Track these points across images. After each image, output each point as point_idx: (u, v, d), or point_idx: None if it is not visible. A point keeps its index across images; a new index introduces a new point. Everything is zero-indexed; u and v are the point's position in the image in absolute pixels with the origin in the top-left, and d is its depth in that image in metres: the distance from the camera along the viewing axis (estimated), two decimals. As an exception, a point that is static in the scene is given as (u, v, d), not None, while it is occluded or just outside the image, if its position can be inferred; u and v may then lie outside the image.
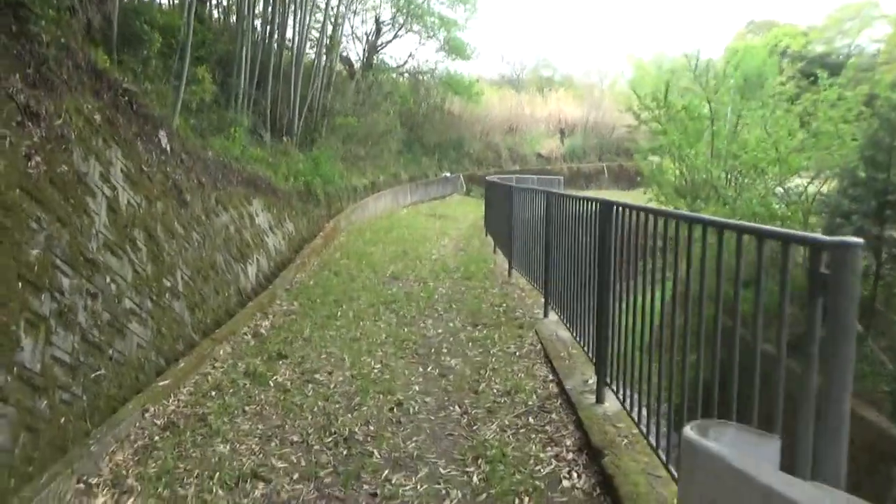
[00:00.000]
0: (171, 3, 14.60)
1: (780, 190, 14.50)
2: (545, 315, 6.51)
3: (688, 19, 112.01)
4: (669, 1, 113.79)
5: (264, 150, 13.01)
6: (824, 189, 13.76)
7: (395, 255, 10.56)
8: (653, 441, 3.13)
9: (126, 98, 6.47)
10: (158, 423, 3.95)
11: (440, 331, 6.18)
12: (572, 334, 5.26)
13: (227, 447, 3.63)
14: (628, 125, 26.70)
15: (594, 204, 4.36)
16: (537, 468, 3.41)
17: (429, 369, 5.06)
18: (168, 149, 7.39)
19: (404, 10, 26.26)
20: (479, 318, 6.60)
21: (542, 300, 6.75)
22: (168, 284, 6.23)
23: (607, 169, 34.57)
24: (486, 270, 9.44)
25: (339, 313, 6.73)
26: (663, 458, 2.96)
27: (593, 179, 32.50)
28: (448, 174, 25.76)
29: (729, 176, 16.03)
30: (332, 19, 19.61)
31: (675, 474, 2.77)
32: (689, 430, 1.54)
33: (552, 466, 3.43)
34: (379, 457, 3.55)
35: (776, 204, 13.73)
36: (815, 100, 15.81)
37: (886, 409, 9.71)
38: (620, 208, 3.91)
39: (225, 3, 19.00)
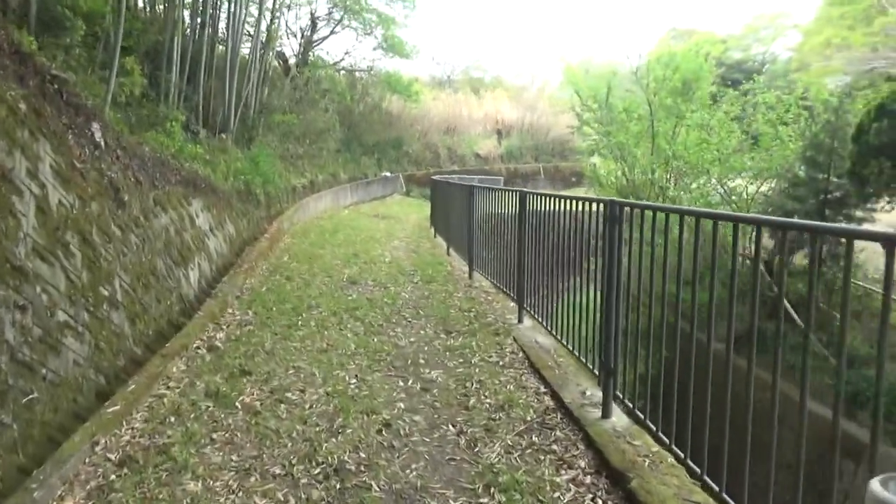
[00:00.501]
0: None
1: (720, 190, 14.83)
2: (520, 320, 6.22)
3: (612, 25, 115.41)
4: (594, 7, 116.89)
5: (202, 147, 12.22)
6: (764, 189, 14.16)
7: (346, 257, 10.07)
8: (693, 465, 2.87)
9: (55, 86, 5.79)
10: (112, 457, 3.39)
11: (412, 339, 5.77)
12: (560, 341, 4.98)
13: (199, 484, 3.13)
14: (569, 126, 26.94)
15: (597, 204, 4.08)
16: (556, 496, 3.09)
17: (409, 383, 4.65)
18: (102, 143, 6.69)
19: (341, 6, 25.55)
20: (451, 325, 6.24)
21: (514, 304, 6.47)
22: (106, 293, 5.61)
23: (543, 170, 34.88)
24: (444, 273, 9.10)
25: (299, 322, 6.22)
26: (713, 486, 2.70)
27: (530, 179, 32.68)
28: (388, 174, 25.26)
29: (669, 176, 16.28)
30: (268, 13, 18.81)
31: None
32: (876, 485, 1.25)
33: (572, 493, 3.11)
34: (378, 490, 3.14)
35: (720, 204, 14.01)
36: (748, 102, 16.29)
37: (829, 402, 10.00)
38: (629, 208, 3.66)
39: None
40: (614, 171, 19.35)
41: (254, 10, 19.82)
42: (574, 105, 20.65)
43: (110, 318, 5.55)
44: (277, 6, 19.61)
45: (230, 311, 6.75)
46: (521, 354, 5.25)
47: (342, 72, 27.61)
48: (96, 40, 11.63)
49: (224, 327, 6.09)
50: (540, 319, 5.65)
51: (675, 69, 17.52)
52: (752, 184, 14.20)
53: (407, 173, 27.21)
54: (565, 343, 4.84)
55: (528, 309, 6.09)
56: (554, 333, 5.18)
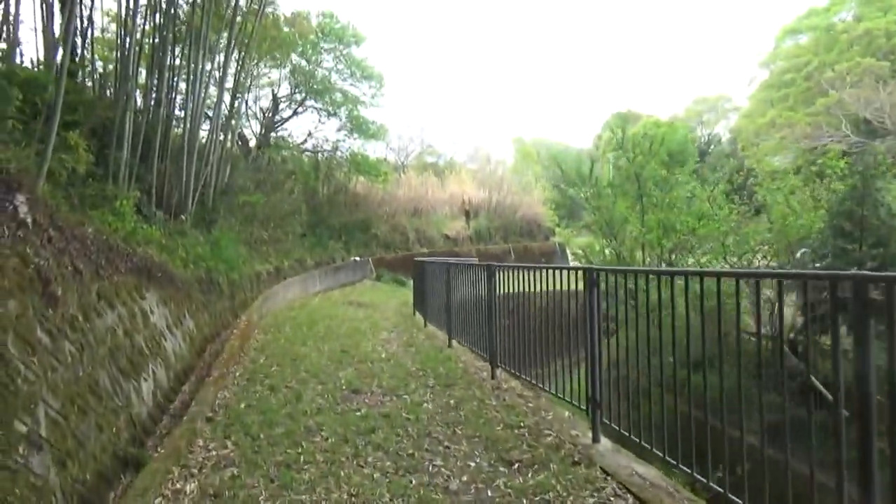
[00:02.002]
0: (35, 61, 12.25)
1: (732, 263, 13.80)
2: (595, 439, 4.66)
3: (555, 108, 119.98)
4: (536, 90, 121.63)
5: (158, 230, 10.57)
6: (774, 265, 13.20)
7: (335, 355, 8.38)
8: None
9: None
10: None
11: (464, 479, 4.13)
12: (700, 476, 3.43)
13: None
14: (544, 203, 26.19)
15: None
16: None
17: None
18: (29, 221, 5.06)
19: (303, 87, 24.71)
20: (507, 451, 4.62)
21: (569, 413, 4.97)
22: (22, 429, 3.89)
23: (513, 250, 33.94)
24: (458, 371, 7.50)
25: (300, 458, 4.49)
26: None
27: (500, 260, 31.58)
28: (357, 258, 23.73)
29: (663, 253, 15.27)
30: (228, 93, 17.66)
31: None
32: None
33: None
34: None
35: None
36: (738, 172, 15.68)
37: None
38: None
39: (101, 71, 16.72)
40: (601, 249, 18.36)
41: (213, 90, 18.80)
42: (557, 182, 19.80)
43: (28, 466, 3.82)
44: (238, 87, 18.53)
45: (201, 442, 4.97)
46: (630, 500, 3.67)
47: (306, 153, 26.49)
48: (36, 112, 10.14)
49: (195, 472, 4.31)
50: (639, 440, 4.10)
51: (660, 142, 16.90)
52: (764, 258, 13.24)
53: (376, 257, 25.73)
54: (705, 478, 3.29)
55: (610, 423, 4.55)
56: (673, 461, 3.63)
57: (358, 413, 5.58)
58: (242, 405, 5.82)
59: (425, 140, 45.90)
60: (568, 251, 39.42)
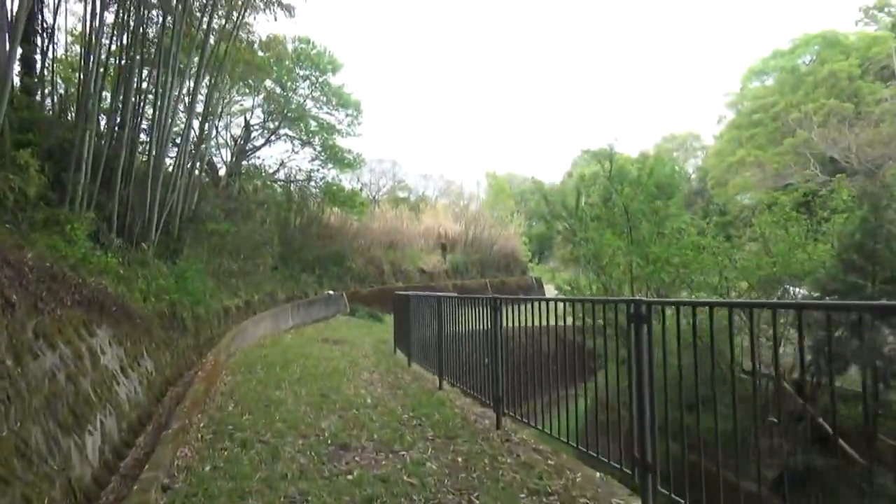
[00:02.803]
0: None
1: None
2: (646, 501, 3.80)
3: (520, 144, 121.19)
4: (505, 125, 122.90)
5: (114, 258, 9.53)
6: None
7: (315, 401, 7.36)
8: None
9: None
10: None
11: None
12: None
13: None
14: (525, 236, 25.60)
15: None
16: None
17: None
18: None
19: (277, 114, 23.87)
20: (542, 528, 3.73)
21: (635, 479, 4.08)
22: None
23: (490, 285, 33.12)
24: (457, 418, 6.59)
25: (283, 543, 3.53)
26: None
27: (478, 294, 30.78)
28: (331, 292, 22.62)
29: (658, 287, 14.63)
30: (196, 120, 16.76)
31: None
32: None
33: None
34: None
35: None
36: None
37: None
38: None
39: (62, 91, 15.75)
40: (589, 285, 17.70)
41: (182, 115, 17.88)
42: (536, 216, 19.20)
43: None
44: (208, 112, 17.62)
45: (155, 521, 3.96)
46: None
47: (279, 183, 25.51)
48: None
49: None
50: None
51: (648, 174, 16.43)
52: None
53: (350, 291, 24.61)
54: None
55: (670, 493, 3.70)
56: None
57: (349, 477, 4.60)
58: (207, 467, 4.79)
59: (397, 175, 45.29)
60: (546, 286, 38.91)
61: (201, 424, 6.12)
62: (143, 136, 14.86)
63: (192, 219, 14.57)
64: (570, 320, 5.66)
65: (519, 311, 6.30)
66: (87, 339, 6.46)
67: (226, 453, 5.16)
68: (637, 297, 3.85)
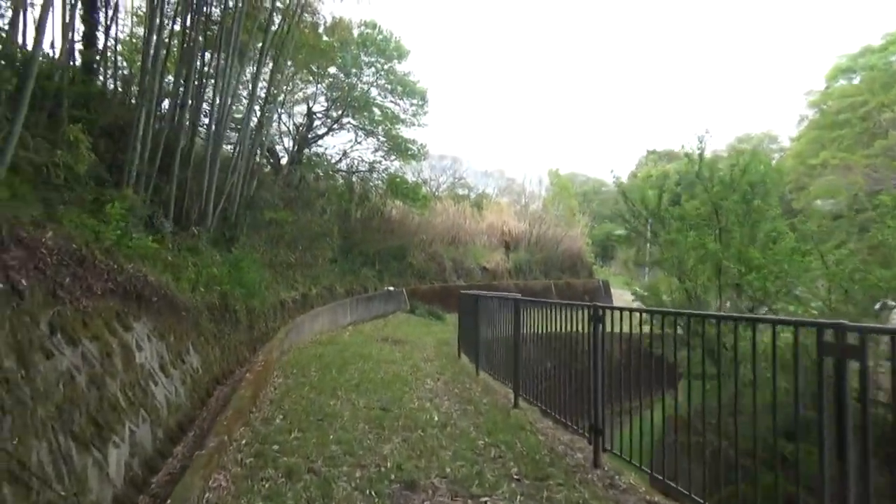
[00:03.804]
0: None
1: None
2: None
3: (582, 144, 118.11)
4: (567, 125, 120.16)
5: (164, 243, 8.80)
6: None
7: (374, 416, 6.36)
8: None
9: None
10: None
11: None
12: None
13: None
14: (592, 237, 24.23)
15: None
16: None
17: None
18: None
19: (340, 102, 23.13)
20: None
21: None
22: None
23: (555, 286, 31.68)
24: (542, 449, 5.46)
25: None
26: None
27: (542, 296, 29.30)
28: (391, 288, 21.77)
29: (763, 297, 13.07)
30: (258, 105, 16.10)
31: None
32: None
33: None
34: None
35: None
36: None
37: None
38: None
39: (125, 72, 15.31)
40: (670, 289, 16.23)
41: (243, 99, 17.33)
42: (620, 213, 17.82)
43: None
44: (269, 97, 16.94)
45: None
46: None
47: (340, 173, 24.82)
48: (34, 100, 8.59)
49: None
50: None
51: (742, 171, 14.81)
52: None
53: (410, 287, 23.69)
54: None
55: None
56: None
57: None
58: (243, 502, 3.81)
59: (457, 172, 44.20)
60: (613, 290, 37.16)
61: (243, 442, 5.17)
62: (203, 120, 14.32)
63: (249, 206, 13.87)
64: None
65: (620, 320, 5.19)
66: (121, 333, 5.63)
67: (267, 485, 4.17)
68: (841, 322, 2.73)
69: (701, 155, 15.23)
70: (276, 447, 5.03)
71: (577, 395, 5.81)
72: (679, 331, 8.97)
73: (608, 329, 5.19)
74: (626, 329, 5.15)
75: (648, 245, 47.76)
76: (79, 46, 12.35)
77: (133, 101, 12.38)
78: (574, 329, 5.91)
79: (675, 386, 5.68)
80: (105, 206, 7.56)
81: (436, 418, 6.50)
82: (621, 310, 5.30)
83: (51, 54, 10.57)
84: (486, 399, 7.82)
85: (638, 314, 5.16)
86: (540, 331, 7.07)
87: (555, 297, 30.88)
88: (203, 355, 8.49)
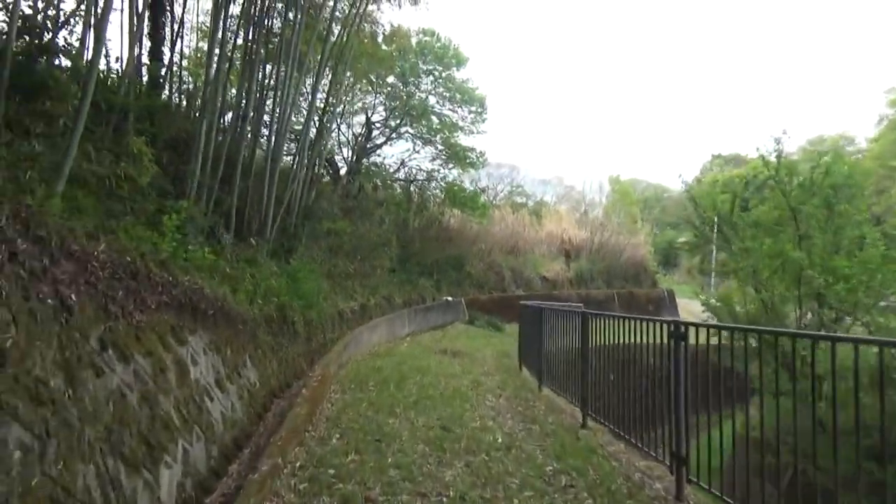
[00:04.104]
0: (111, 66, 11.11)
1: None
2: None
3: (644, 149, 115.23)
4: (626, 129, 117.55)
5: (222, 256, 8.75)
6: None
7: (435, 437, 6.02)
8: None
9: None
10: None
11: None
12: None
13: None
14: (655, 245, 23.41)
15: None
16: None
17: None
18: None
19: (398, 111, 23.06)
20: None
21: None
22: None
23: (617, 296, 30.73)
24: (618, 478, 5.01)
25: None
26: None
27: (604, 307, 28.43)
28: (449, 298, 21.46)
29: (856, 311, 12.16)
30: (317, 116, 16.11)
31: None
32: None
33: None
34: None
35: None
36: None
37: None
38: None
39: (189, 87, 15.59)
40: (742, 299, 15.38)
41: (302, 110, 17.43)
42: (690, 218, 17.05)
43: None
44: (328, 107, 16.94)
45: None
46: None
47: (398, 182, 24.75)
48: (100, 114, 8.73)
49: None
50: None
51: (823, 173, 13.87)
52: None
53: (469, 297, 23.34)
54: None
55: None
56: None
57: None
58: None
59: (515, 180, 43.63)
60: (678, 300, 35.85)
61: (297, 464, 4.91)
62: (262, 130, 14.42)
63: (308, 216, 13.83)
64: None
65: (696, 335, 4.74)
66: (175, 348, 5.49)
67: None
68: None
69: (778, 157, 14.34)
70: (331, 471, 4.74)
71: (652, 416, 5.33)
72: (752, 343, 8.35)
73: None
74: (701, 341, 4.70)
75: (715, 253, 45.84)
76: (145, 61, 12.62)
77: (196, 114, 12.57)
78: (647, 341, 5.43)
79: (747, 403, 5.14)
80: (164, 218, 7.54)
81: (499, 440, 6.11)
82: (708, 327, 4.82)
83: (116, 68, 10.78)
84: (551, 418, 7.38)
85: (718, 331, 4.68)
86: (610, 345, 6.60)
87: (617, 307, 29.97)
88: (260, 368, 8.36)
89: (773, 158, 14.39)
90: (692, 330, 4.78)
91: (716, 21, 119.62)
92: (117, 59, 10.78)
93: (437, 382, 9.30)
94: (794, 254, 12.31)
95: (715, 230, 17.54)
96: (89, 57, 8.04)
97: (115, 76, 10.54)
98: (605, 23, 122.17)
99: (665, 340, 4.93)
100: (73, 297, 3.95)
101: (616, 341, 6.37)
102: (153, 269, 5.36)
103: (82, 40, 8.94)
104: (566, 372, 8.34)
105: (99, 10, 8.35)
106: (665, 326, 4.97)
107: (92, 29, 8.92)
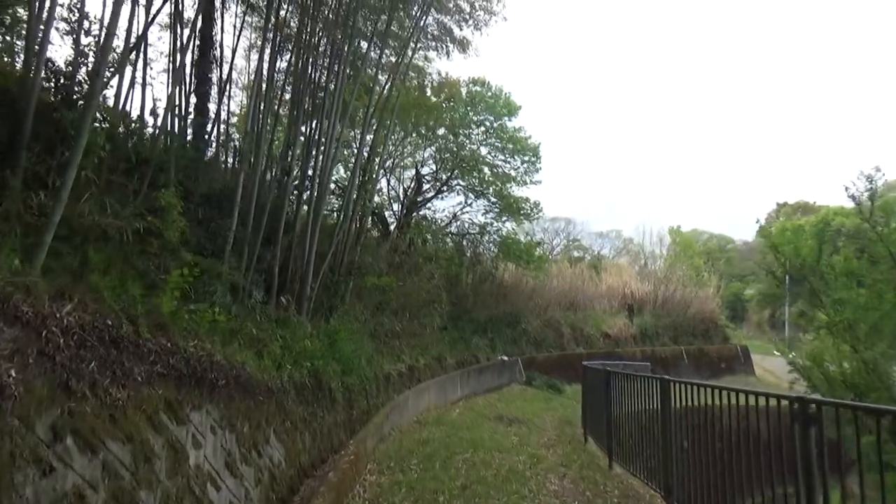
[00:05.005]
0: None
1: None
2: None
3: (708, 198, 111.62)
4: (684, 178, 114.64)
5: (248, 316, 7.94)
6: None
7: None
8: None
9: None
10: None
11: None
12: None
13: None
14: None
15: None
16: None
17: None
18: None
19: (450, 164, 22.42)
20: None
21: None
22: None
23: (686, 353, 28.66)
24: None
25: None
26: None
27: (671, 365, 26.46)
28: (505, 357, 20.18)
29: None
30: (361, 169, 15.55)
31: None
32: None
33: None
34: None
35: None
36: None
37: None
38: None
39: (237, 143, 15.36)
40: (835, 356, 13.62)
41: (348, 163, 16.96)
42: (770, 267, 15.54)
43: None
44: (372, 161, 16.36)
45: None
46: None
47: (450, 236, 23.92)
48: (132, 170, 8.26)
49: None
50: None
51: (929, 211, 12.33)
52: None
53: (526, 356, 21.97)
54: None
55: None
56: None
57: None
58: None
59: (571, 234, 42.41)
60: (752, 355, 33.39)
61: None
62: (305, 185, 13.93)
63: (351, 272, 13.03)
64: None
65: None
66: (169, 428, 4.57)
67: None
68: None
69: (872, 197, 12.85)
70: None
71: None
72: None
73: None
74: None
75: (788, 306, 42.75)
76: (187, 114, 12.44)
77: (236, 167, 12.18)
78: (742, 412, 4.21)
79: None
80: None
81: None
82: (854, 407, 3.59)
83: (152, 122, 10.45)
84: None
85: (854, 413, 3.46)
86: (700, 418, 5.37)
87: (686, 366, 27.90)
88: (288, 444, 7.37)
89: (865, 199, 12.90)
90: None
91: (770, 69, 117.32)
92: (152, 111, 10.44)
93: (490, 459, 8.10)
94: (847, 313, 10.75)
95: (787, 281, 15.94)
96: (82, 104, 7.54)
97: (150, 130, 10.22)
98: (661, 70, 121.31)
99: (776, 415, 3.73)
100: (11, 373, 3.09)
101: (704, 409, 5.17)
102: (144, 333, 4.51)
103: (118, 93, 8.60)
104: (642, 449, 7.05)
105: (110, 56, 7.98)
106: (783, 404, 3.77)
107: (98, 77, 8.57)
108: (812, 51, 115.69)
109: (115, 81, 8.66)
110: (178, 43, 11.22)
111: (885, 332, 12.23)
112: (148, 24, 9.92)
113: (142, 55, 10.39)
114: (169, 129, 10.84)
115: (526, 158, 22.87)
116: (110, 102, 8.63)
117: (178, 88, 11.20)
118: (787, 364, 15.75)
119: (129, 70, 9.82)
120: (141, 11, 10.23)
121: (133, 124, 9.37)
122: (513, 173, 23.13)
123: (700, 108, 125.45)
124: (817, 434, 3.49)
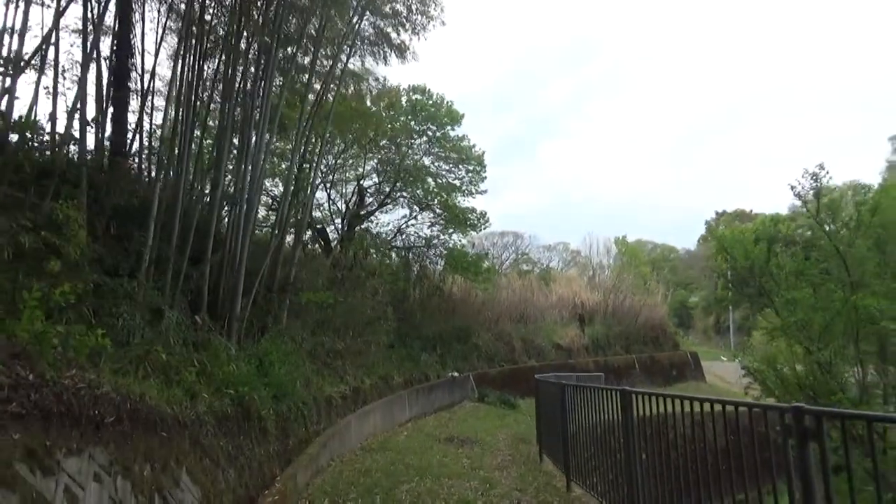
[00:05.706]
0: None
1: None
2: None
3: (646, 209, 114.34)
4: (625, 191, 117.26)
5: (155, 340, 7.00)
6: None
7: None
8: None
9: None
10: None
11: None
12: None
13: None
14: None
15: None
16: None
17: None
18: None
19: (391, 175, 21.71)
20: None
21: None
22: None
23: (638, 362, 28.51)
24: None
25: None
26: None
27: (624, 374, 26.18)
28: (455, 374, 19.38)
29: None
30: (294, 179, 14.65)
31: None
32: None
33: None
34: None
35: None
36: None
37: None
38: None
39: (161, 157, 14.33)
40: (790, 357, 13.48)
41: (281, 175, 16.05)
42: (719, 270, 15.34)
43: None
44: (302, 172, 15.45)
45: None
46: None
47: (395, 249, 23.14)
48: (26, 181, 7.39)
49: None
50: None
51: (872, 211, 12.20)
52: None
53: (477, 372, 21.22)
54: None
55: None
56: None
57: None
58: None
59: (520, 248, 42.23)
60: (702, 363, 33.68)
61: None
62: (236, 196, 13.00)
63: (284, 289, 12.12)
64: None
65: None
66: (30, 481, 3.66)
67: None
68: None
69: (817, 195, 12.73)
70: None
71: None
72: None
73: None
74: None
75: (733, 311, 43.44)
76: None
77: (153, 177, 11.26)
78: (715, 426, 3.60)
79: None
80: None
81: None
82: (869, 418, 2.99)
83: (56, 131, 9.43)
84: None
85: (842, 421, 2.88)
86: (662, 432, 4.77)
87: (638, 374, 27.74)
88: (206, 484, 6.42)
89: (811, 196, 12.78)
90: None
91: (712, 73, 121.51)
92: (49, 116, 9.39)
93: (439, 488, 7.35)
94: (869, 300, 10.48)
95: (731, 284, 15.81)
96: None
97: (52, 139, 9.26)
98: (599, 84, 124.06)
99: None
100: None
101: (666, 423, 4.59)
102: (-10, 364, 3.60)
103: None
104: (599, 464, 6.43)
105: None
106: (777, 414, 3.14)
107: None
108: (743, 58, 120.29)
109: (8, 86, 7.77)
110: (90, 47, 10.30)
111: (837, 331, 12.07)
112: (53, 27, 8.95)
113: (51, 62, 9.49)
114: (79, 138, 9.89)
115: (470, 168, 22.38)
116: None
117: (88, 96, 10.25)
118: (737, 369, 15.57)
119: (33, 76, 8.91)
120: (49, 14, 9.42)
121: (35, 134, 8.37)
122: (458, 183, 22.62)
123: (638, 119, 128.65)
124: (818, 451, 2.87)
